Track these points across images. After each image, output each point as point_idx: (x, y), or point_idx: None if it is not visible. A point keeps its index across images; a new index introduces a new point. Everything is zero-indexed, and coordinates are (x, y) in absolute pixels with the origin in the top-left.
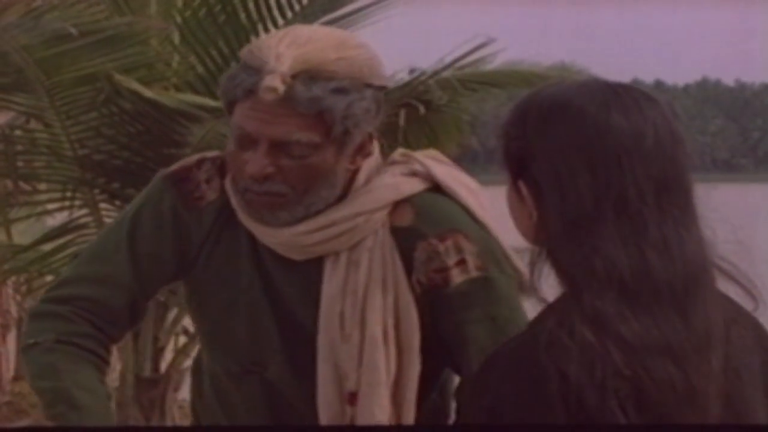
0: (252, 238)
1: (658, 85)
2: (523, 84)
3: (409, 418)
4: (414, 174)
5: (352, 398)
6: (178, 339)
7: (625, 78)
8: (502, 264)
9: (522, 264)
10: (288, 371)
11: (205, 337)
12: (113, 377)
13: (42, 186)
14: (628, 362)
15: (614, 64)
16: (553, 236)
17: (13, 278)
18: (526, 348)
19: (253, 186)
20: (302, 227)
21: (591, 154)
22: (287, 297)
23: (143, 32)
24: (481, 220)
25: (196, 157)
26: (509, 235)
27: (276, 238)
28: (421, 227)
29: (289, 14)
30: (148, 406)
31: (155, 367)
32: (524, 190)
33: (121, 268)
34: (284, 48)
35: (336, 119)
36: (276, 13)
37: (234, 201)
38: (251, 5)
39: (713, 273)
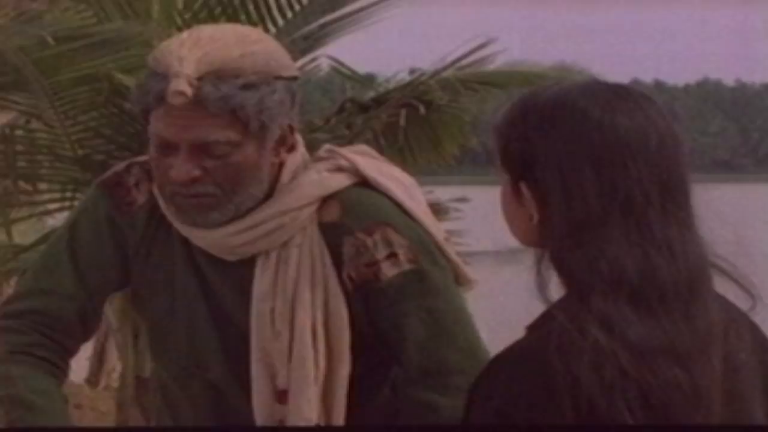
0: (185, 241)
1: (658, 85)
2: (524, 84)
3: (339, 415)
4: (340, 169)
5: (283, 396)
6: None
7: (625, 78)
8: (435, 256)
9: (454, 254)
10: (228, 372)
11: (150, 341)
12: (114, 377)
13: (42, 186)
14: (634, 364)
15: (614, 64)
16: (557, 239)
17: (15, 278)
18: (534, 350)
19: (180, 190)
20: (230, 228)
21: (596, 156)
22: (222, 298)
23: (140, 35)
24: (412, 213)
25: (126, 162)
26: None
27: (206, 239)
28: (348, 222)
29: (289, 14)
30: (149, 407)
31: None
32: (526, 191)
33: (64, 279)
34: (186, 51)
35: (250, 115)
36: (276, 13)
37: (163, 207)
38: (251, 7)
39: (711, 274)
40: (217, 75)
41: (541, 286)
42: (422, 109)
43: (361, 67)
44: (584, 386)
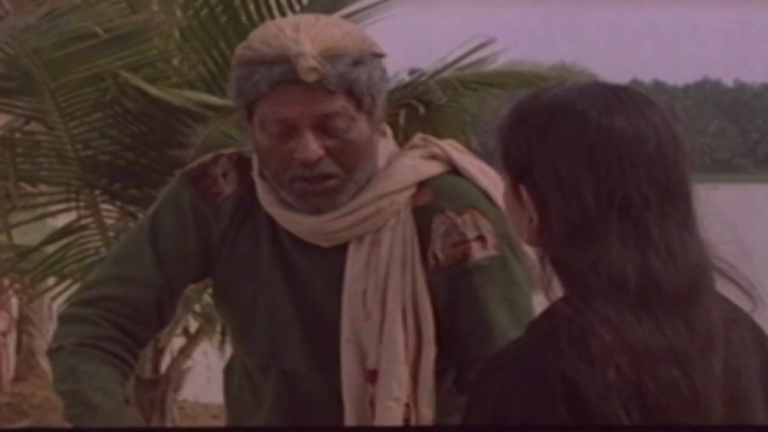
0: (273, 230)
1: (658, 85)
2: (524, 84)
3: (427, 397)
4: (433, 157)
5: (372, 376)
6: (178, 340)
7: (624, 78)
8: (518, 249)
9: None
10: (308, 362)
11: (232, 332)
12: None
13: (43, 187)
14: (632, 367)
15: (614, 64)
16: (556, 241)
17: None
18: (530, 351)
19: (304, 173)
20: (332, 214)
21: (595, 159)
22: (310, 285)
23: (152, 29)
24: (498, 204)
25: (212, 154)
26: None
27: (305, 226)
28: (439, 203)
29: (289, 14)
30: (149, 407)
31: (155, 368)
32: (525, 194)
33: (145, 267)
34: (295, 34)
35: (363, 90)
36: (276, 13)
37: (273, 199)
38: (251, 6)
39: (712, 275)
40: (330, 54)
41: (545, 284)
42: (422, 109)
43: None
44: (581, 388)
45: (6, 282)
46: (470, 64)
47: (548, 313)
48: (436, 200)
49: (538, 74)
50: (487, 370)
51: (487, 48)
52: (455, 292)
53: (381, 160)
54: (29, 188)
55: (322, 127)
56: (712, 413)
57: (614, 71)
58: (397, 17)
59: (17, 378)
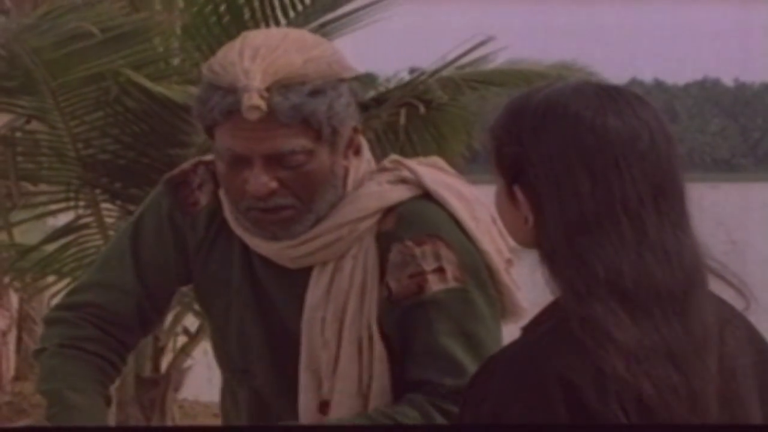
0: (244, 246)
1: (658, 84)
2: (524, 82)
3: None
4: (403, 181)
5: (324, 407)
6: (179, 339)
7: (624, 77)
8: (484, 281)
9: (512, 282)
10: (274, 379)
11: (212, 341)
12: None
13: (44, 186)
14: (629, 367)
15: (614, 63)
16: (552, 242)
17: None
18: (526, 352)
19: (258, 204)
20: (291, 241)
21: (589, 159)
22: (277, 304)
23: (153, 28)
24: (470, 233)
25: (194, 160)
26: None
27: (267, 250)
28: (399, 230)
29: (292, 14)
30: (149, 406)
31: (155, 367)
32: (520, 195)
33: (125, 274)
34: (249, 63)
35: (322, 121)
36: (279, 12)
37: (233, 222)
38: (256, 4)
39: (706, 274)
40: (284, 84)
41: (551, 284)
42: (422, 108)
43: (361, 66)
44: (578, 389)
45: (6, 280)
46: (470, 63)
47: (545, 314)
48: (397, 228)
49: (538, 72)
50: (483, 373)
51: (487, 46)
52: (409, 325)
53: (351, 182)
54: (30, 187)
55: (276, 158)
56: (709, 413)
57: (614, 70)
58: (397, 16)
59: (17, 377)
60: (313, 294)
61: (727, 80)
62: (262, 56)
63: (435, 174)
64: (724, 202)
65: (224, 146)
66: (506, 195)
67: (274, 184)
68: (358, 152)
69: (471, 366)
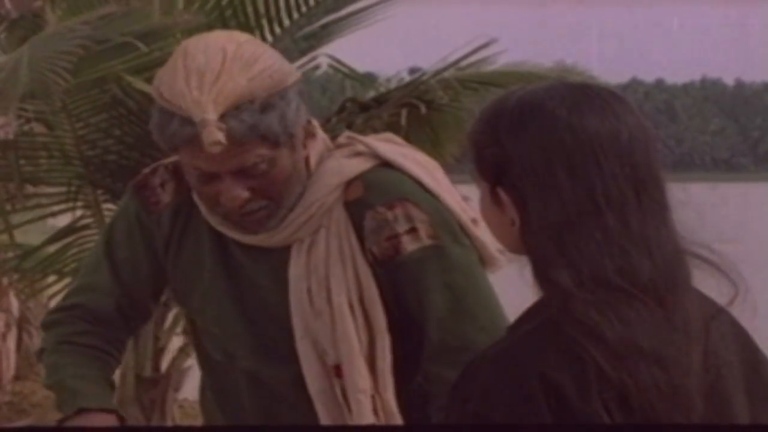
0: (215, 234)
1: (659, 83)
2: (524, 84)
3: (388, 388)
4: (358, 154)
5: (338, 371)
6: (179, 339)
7: (625, 77)
8: (456, 233)
9: (487, 235)
10: (262, 358)
11: (192, 335)
12: (114, 376)
13: (45, 187)
14: (612, 365)
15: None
16: (537, 240)
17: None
18: (510, 352)
19: (233, 211)
20: (264, 234)
21: (569, 157)
22: (256, 284)
23: (170, 29)
24: (433, 191)
25: (154, 164)
26: None
27: (248, 240)
28: (369, 197)
29: (296, 15)
30: (149, 406)
31: (156, 367)
32: (504, 196)
33: (102, 276)
34: (197, 93)
35: (278, 132)
36: (284, 14)
37: (213, 218)
38: (261, 7)
39: (690, 268)
40: (235, 107)
41: (535, 281)
42: (423, 109)
43: (361, 67)
44: (560, 388)
45: (5, 281)
46: (471, 64)
47: (529, 314)
48: (367, 195)
49: (539, 74)
50: (467, 373)
51: (487, 48)
52: (395, 285)
53: (313, 164)
54: (30, 188)
55: (242, 172)
56: (692, 410)
57: (614, 70)
58: (398, 17)
59: (17, 377)
60: (295, 269)
61: (727, 80)
62: (208, 84)
63: (389, 146)
64: (725, 202)
65: (191, 165)
66: (491, 199)
67: (246, 194)
68: (313, 135)
69: (452, 318)
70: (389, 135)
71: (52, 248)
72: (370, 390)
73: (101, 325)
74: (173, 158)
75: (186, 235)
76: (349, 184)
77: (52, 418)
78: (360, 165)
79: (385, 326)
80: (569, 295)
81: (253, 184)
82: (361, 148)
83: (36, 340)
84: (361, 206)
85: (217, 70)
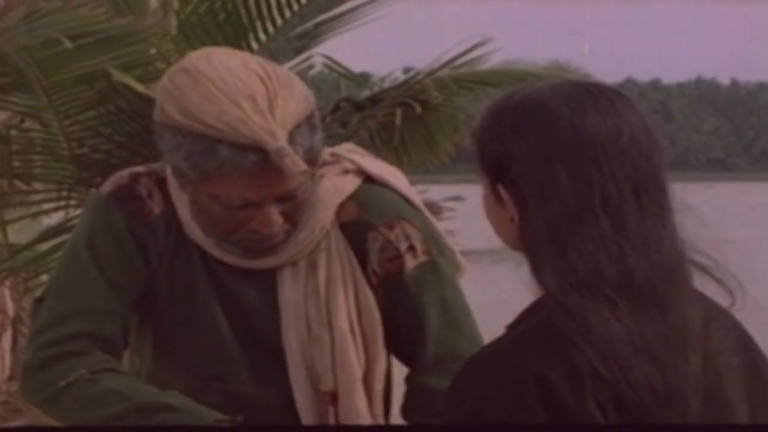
0: (203, 253)
1: (654, 83)
2: (519, 83)
3: (379, 409)
4: (346, 172)
5: (332, 398)
6: None
7: (619, 76)
8: (441, 246)
9: (452, 243)
10: (254, 382)
11: (162, 353)
12: None
13: (38, 185)
14: (607, 365)
15: (609, 63)
16: (535, 237)
17: (11, 277)
18: (505, 352)
19: (255, 236)
20: (265, 259)
21: (569, 155)
22: (244, 306)
23: (143, 31)
24: (418, 206)
25: (127, 172)
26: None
27: (236, 262)
28: (369, 218)
29: (288, 14)
30: None
31: None
32: (504, 193)
33: (100, 298)
34: (261, 119)
35: (318, 152)
36: (276, 13)
37: (208, 243)
38: (252, 5)
39: (689, 270)
40: (294, 131)
41: (532, 279)
42: (418, 108)
43: (356, 66)
44: (554, 387)
45: None
46: (465, 63)
47: (526, 314)
48: (365, 215)
49: (533, 73)
50: (462, 373)
51: (481, 47)
52: (392, 302)
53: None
54: (23, 186)
55: (283, 197)
56: (688, 411)
57: (609, 70)
58: (391, 16)
59: (12, 377)
60: (292, 294)
61: (722, 79)
62: (265, 108)
63: (366, 159)
64: (720, 202)
65: (230, 193)
66: (492, 195)
67: (281, 220)
68: None
69: (443, 330)
70: (351, 146)
71: (44, 247)
72: (368, 415)
73: (114, 352)
74: (145, 168)
75: (177, 248)
76: (341, 204)
77: (46, 418)
78: (351, 183)
79: (383, 348)
80: (565, 292)
81: (286, 208)
82: (347, 165)
83: None
84: (360, 227)
85: (264, 92)
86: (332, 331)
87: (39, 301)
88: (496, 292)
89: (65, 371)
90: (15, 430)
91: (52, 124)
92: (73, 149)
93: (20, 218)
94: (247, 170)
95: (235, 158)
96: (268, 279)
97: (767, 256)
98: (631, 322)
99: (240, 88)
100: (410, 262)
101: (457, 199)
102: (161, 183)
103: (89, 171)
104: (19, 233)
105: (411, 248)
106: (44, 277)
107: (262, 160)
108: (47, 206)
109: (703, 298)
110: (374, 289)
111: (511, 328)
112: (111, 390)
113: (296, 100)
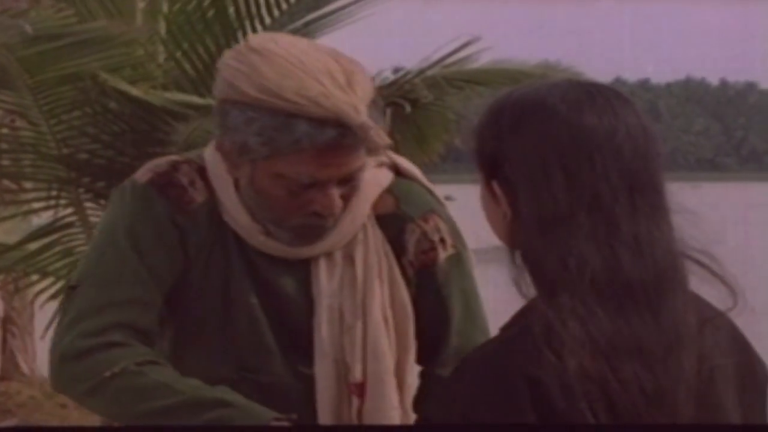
0: (240, 242)
1: (643, 83)
2: (509, 82)
3: (409, 402)
4: (382, 164)
5: (359, 389)
6: None
7: (608, 76)
8: (463, 239)
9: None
10: (288, 374)
11: (192, 344)
12: None
13: (27, 185)
14: (597, 365)
15: (599, 63)
16: (527, 236)
17: (0, 277)
18: (497, 352)
19: (313, 220)
20: (307, 248)
21: (564, 153)
22: (280, 297)
23: (125, 34)
24: (441, 200)
25: (164, 161)
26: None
27: (277, 251)
28: (406, 210)
29: (276, 13)
30: None
31: None
32: (498, 190)
33: (139, 287)
34: (343, 94)
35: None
36: (264, 12)
37: (255, 230)
38: (242, 4)
39: (685, 272)
40: (370, 107)
41: (518, 282)
42: (408, 108)
43: None
44: (545, 388)
45: None
46: (455, 62)
47: (519, 315)
48: (402, 208)
49: (523, 72)
50: (455, 374)
51: (471, 46)
52: (422, 294)
53: None
54: (12, 186)
55: (346, 178)
56: (679, 412)
57: (599, 69)
58: (380, 15)
59: (2, 377)
60: (327, 284)
61: (711, 79)
62: (345, 84)
63: (398, 156)
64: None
65: (301, 173)
66: (487, 192)
67: (341, 202)
68: None
69: (465, 322)
70: None
71: (33, 246)
72: (397, 407)
73: (150, 345)
74: (184, 156)
75: (217, 239)
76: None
77: (37, 417)
78: (387, 176)
79: (414, 341)
80: (554, 291)
81: (344, 191)
82: (383, 159)
83: (18, 341)
84: (397, 220)
85: (341, 69)
86: (366, 322)
87: (72, 288)
88: (483, 294)
89: (108, 362)
90: (7, 430)
91: (40, 123)
92: (60, 149)
93: (10, 217)
94: (321, 147)
95: (313, 132)
96: (304, 270)
97: (759, 256)
98: (621, 321)
99: (316, 65)
100: (441, 255)
101: (447, 199)
102: (202, 171)
103: (76, 171)
104: (8, 233)
105: (442, 241)
106: (34, 277)
107: (339, 136)
108: (37, 205)
109: (699, 300)
110: (408, 280)
111: (504, 329)
112: (160, 383)
113: (367, 79)
